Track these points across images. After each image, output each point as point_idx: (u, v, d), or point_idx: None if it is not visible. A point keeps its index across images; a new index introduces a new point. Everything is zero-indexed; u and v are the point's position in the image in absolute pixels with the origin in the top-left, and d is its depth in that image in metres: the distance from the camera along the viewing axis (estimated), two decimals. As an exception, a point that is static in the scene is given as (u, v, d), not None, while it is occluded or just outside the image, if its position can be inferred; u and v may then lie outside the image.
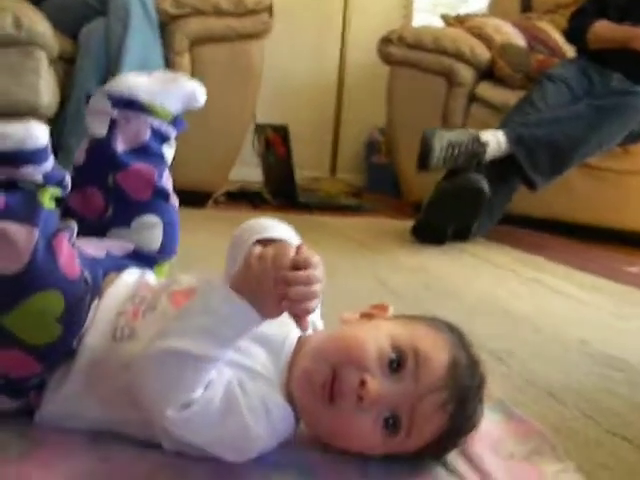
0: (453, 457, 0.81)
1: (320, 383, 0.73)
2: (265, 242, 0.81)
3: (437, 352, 0.75)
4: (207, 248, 1.60)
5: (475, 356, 0.79)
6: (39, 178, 0.77)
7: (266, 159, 3.27)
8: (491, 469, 0.80)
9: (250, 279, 0.70)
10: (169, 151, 1.00)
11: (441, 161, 2.23)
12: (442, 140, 2.23)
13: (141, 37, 2.40)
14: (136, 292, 0.82)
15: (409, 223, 2.44)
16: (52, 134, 0.81)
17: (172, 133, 1.00)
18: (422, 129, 2.29)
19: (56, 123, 2.39)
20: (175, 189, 0.99)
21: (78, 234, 0.79)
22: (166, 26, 2.59)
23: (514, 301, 1.67)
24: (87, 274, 0.75)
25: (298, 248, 0.72)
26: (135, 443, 0.77)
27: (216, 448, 0.72)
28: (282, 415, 0.74)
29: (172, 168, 1.01)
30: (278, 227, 0.87)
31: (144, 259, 0.92)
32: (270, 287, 0.69)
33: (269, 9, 2.70)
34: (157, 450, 0.75)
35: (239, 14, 2.65)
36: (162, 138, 0.98)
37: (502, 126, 2.41)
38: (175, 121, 0.99)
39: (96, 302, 0.78)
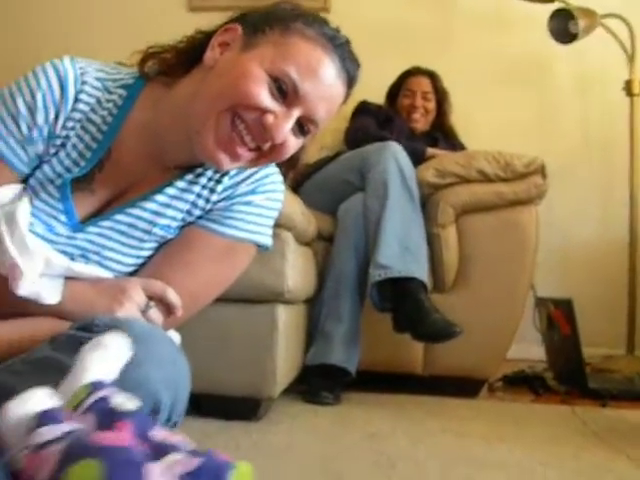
0: None
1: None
2: None
3: None
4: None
5: None
6: None
7: (549, 338, 2.88)
8: None
9: None
10: None
11: None
12: None
13: (400, 213, 2.24)
14: None
15: None
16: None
17: None
18: None
19: (314, 305, 2.29)
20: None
21: None
22: (429, 198, 2.42)
23: None
24: None
25: None
26: None
27: None
28: None
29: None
30: None
31: None
32: None
33: (542, 170, 2.42)
34: None
35: (508, 179, 2.41)
36: None
37: None
38: None
39: None
